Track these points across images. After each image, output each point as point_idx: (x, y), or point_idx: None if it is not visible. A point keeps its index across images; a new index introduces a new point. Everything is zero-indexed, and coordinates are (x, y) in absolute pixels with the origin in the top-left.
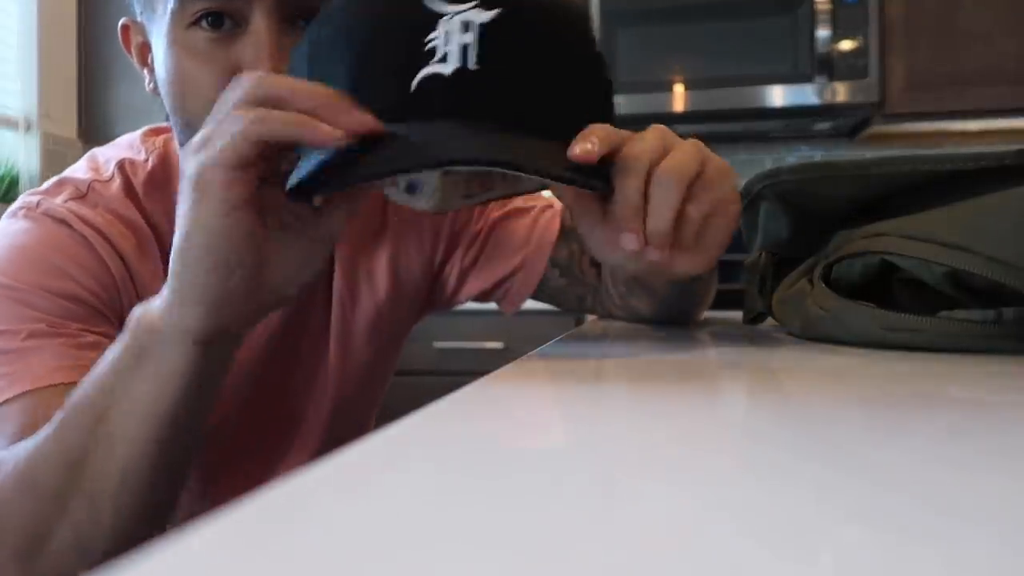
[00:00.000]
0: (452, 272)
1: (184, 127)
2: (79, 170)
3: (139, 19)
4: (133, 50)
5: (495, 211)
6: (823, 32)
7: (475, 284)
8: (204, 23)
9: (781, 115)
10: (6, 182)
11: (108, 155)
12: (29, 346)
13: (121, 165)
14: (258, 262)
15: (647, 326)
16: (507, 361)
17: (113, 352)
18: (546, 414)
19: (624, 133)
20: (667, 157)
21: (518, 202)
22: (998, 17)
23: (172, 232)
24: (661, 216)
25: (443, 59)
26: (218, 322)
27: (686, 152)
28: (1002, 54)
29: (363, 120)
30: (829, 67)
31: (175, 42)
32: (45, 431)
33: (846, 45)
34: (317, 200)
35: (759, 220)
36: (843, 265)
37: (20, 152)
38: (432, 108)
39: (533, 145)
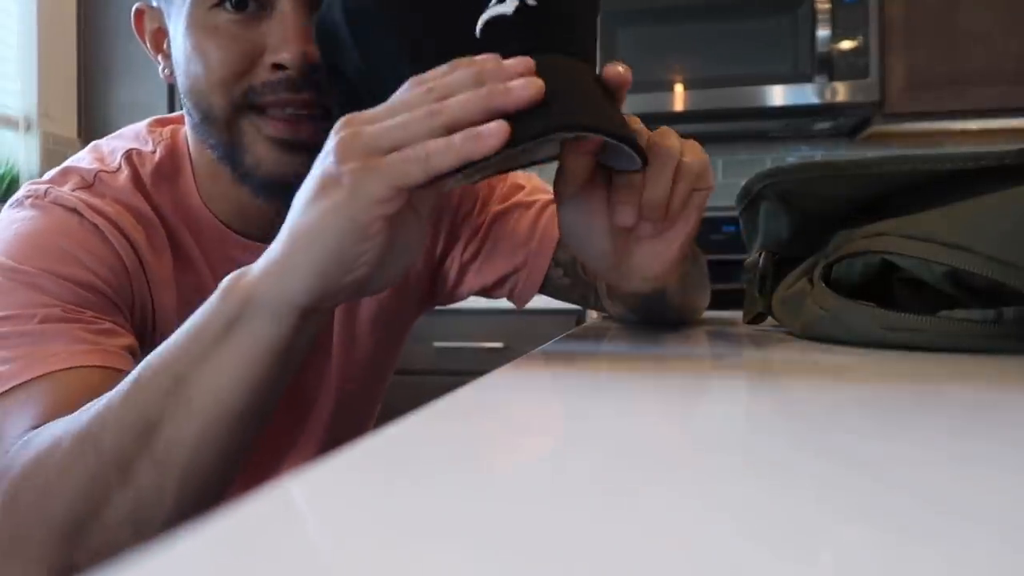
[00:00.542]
0: (453, 265)
1: (200, 109)
2: (83, 160)
3: (155, 4)
4: (147, 37)
5: (496, 205)
6: (823, 32)
7: (476, 279)
8: (228, 4)
9: (781, 115)
10: (6, 182)
11: (113, 146)
12: (45, 330)
13: (128, 156)
14: (382, 256)
15: (647, 326)
16: (507, 361)
17: (199, 319)
18: (546, 414)
19: None
20: (654, 133)
21: (520, 197)
22: (998, 17)
23: (180, 223)
24: (658, 186)
25: (500, 1)
26: (320, 301)
27: (665, 131)
28: (1002, 54)
29: (530, 88)
30: (829, 67)
31: (197, 23)
32: (112, 396)
33: (846, 45)
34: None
35: (759, 220)
36: (843, 265)
37: (20, 152)
38: (502, 47)
39: (602, 100)
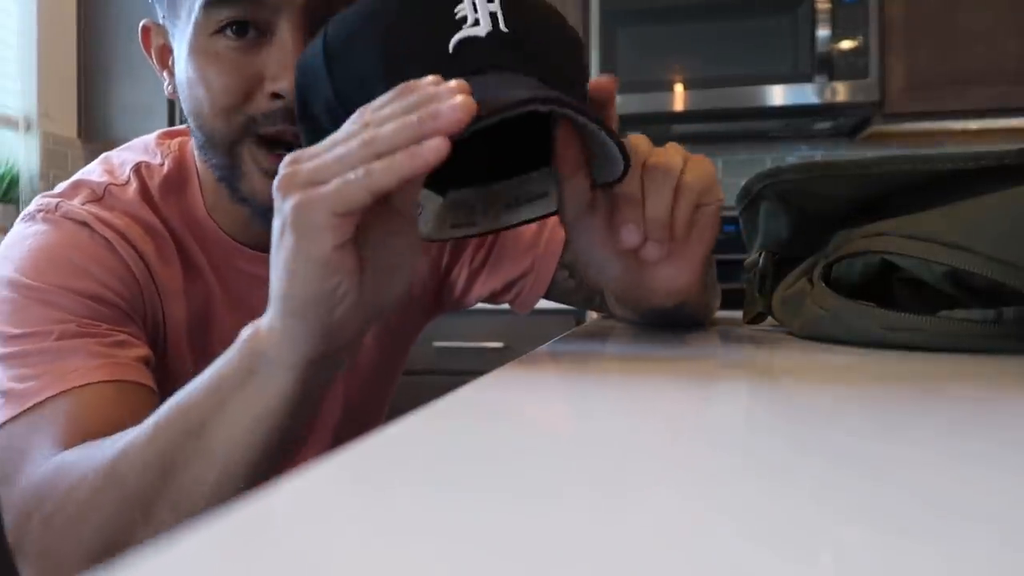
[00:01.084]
0: (460, 274)
1: (203, 132)
2: (93, 173)
3: (161, 22)
4: (153, 52)
5: None
6: (823, 32)
7: (485, 285)
8: (229, 31)
9: (781, 115)
10: (6, 182)
11: (123, 158)
12: (62, 346)
13: (137, 169)
14: (359, 287)
15: (647, 326)
16: (507, 361)
17: (218, 368)
18: (546, 413)
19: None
20: (655, 153)
21: None
22: (998, 17)
23: (188, 235)
24: (660, 201)
25: (475, 23)
26: (323, 350)
27: (673, 149)
28: (1002, 54)
29: (460, 110)
30: (829, 67)
31: (198, 49)
32: (136, 434)
33: (846, 45)
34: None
35: (759, 220)
36: (843, 265)
37: (20, 152)
38: (473, 65)
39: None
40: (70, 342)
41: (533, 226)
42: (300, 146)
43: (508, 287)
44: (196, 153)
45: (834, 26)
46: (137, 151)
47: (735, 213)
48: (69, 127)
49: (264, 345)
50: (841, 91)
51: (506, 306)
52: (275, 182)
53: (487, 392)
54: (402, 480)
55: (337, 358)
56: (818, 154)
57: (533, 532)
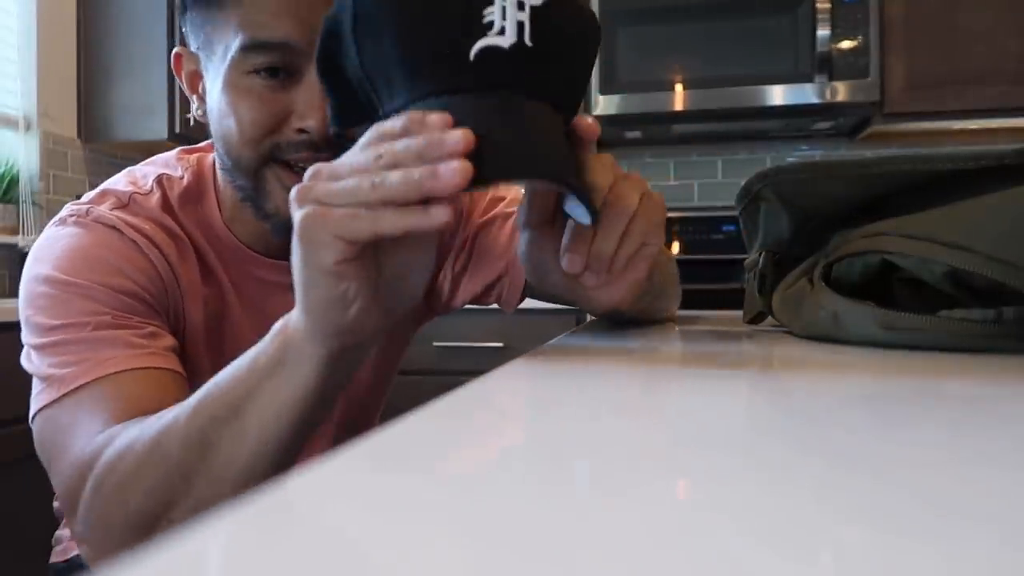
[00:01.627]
0: (446, 279)
1: (230, 158)
2: (119, 183)
3: (194, 51)
4: (184, 76)
5: (479, 217)
6: (823, 32)
7: (468, 289)
8: (262, 73)
9: (781, 114)
10: (6, 181)
11: (146, 171)
12: (100, 336)
13: (159, 180)
14: (373, 290)
15: (648, 326)
16: (507, 360)
17: (254, 356)
18: (545, 413)
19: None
20: (616, 187)
21: (500, 208)
22: (998, 17)
23: (204, 241)
24: (607, 240)
25: (500, 32)
26: (342, 344)
27: (632, 185)
28: (1002, 54)
29: (458, 175)
30: (829, 66)
31: (232, 84)
32: (177, 412)
33: (846, 45)
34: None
35: (759, 220)
36: (843, 264)
37: (20, 152)
38: (490, 79)
39: (561, 146)
40: (106, 332)
41: (507, 231)
42: None
43: (488, 290)
44: (220, 174)
45: (834, 26)
46: (159, 165)
47: (735, 213)
48: (69, 127)
49: (292, 339)
50: (841, 91)
51: (504, 310)
52: (293, 190)
53: (487, 392)
54: (401, 479)
55: (356, 354)
56: (818, 154)
57: (532, 530)
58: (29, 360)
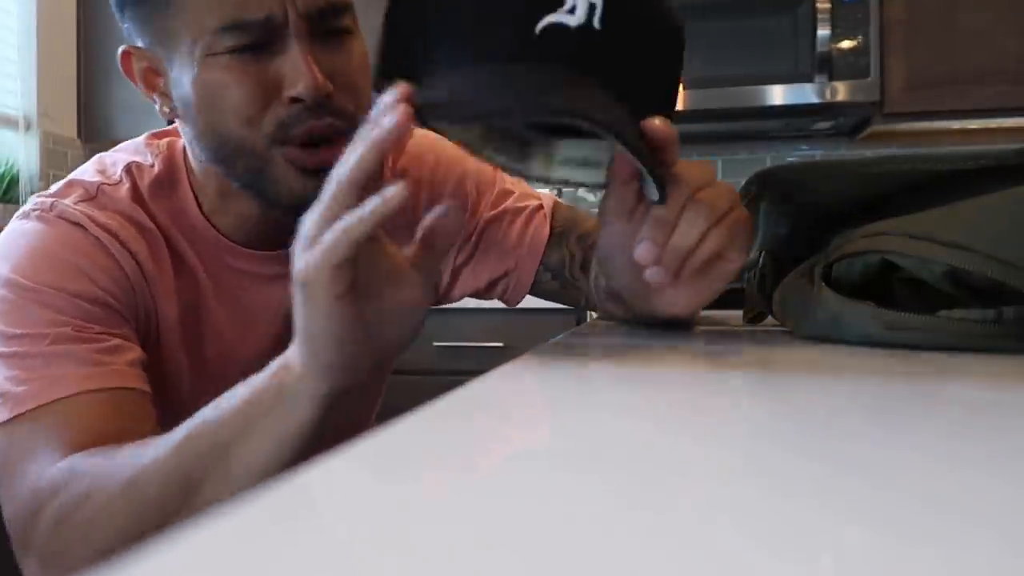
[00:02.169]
0: (446, 270)
1: (227, 145)
2: (87, 172)
3: (140, 44)
4: (136, 76)
5: (487, 211)
6: (823, 32)
7: (468, 282)
8: (245, 52)
9: (781, 114)
10: (6, 181)
11: (115, 158)
12: (56, 351)
13: (128, 169)
14: (363, 332)
15: (648, 326)
16: (507, 360)
17: (245, 395)
18: (545, 413)
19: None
20: (708, 188)
21: (509, 203)
22: (998, 17)
23: (177, 233)
24: (687, 235)
25: (571, 10)
26: (338, 385)
27: (724, 193)
28: (1002, 54)
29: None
30: (829, 66)
31: (207, 66)
32: (157, 447)
33: (846, 44)
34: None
35: (759, 219)
36: (843, 264)
37: (20, 152)
38: (552, 54)
39: (622, 113)
40: (65, 346)
41: (517, 228)
42: (322, 140)
43: (492, 285)
44: (204, 167)
45: (834, 26)
46: (129, 152)
47: None
48: (69, 127)
49: (290, 378)
50: (841, 91)
51: (506, 305)
52: (296, 242)
53: (487, 392)
54: (400, 479)
55: (350, 394)
56: (818, 154)
57: (532, 531)
58: None
